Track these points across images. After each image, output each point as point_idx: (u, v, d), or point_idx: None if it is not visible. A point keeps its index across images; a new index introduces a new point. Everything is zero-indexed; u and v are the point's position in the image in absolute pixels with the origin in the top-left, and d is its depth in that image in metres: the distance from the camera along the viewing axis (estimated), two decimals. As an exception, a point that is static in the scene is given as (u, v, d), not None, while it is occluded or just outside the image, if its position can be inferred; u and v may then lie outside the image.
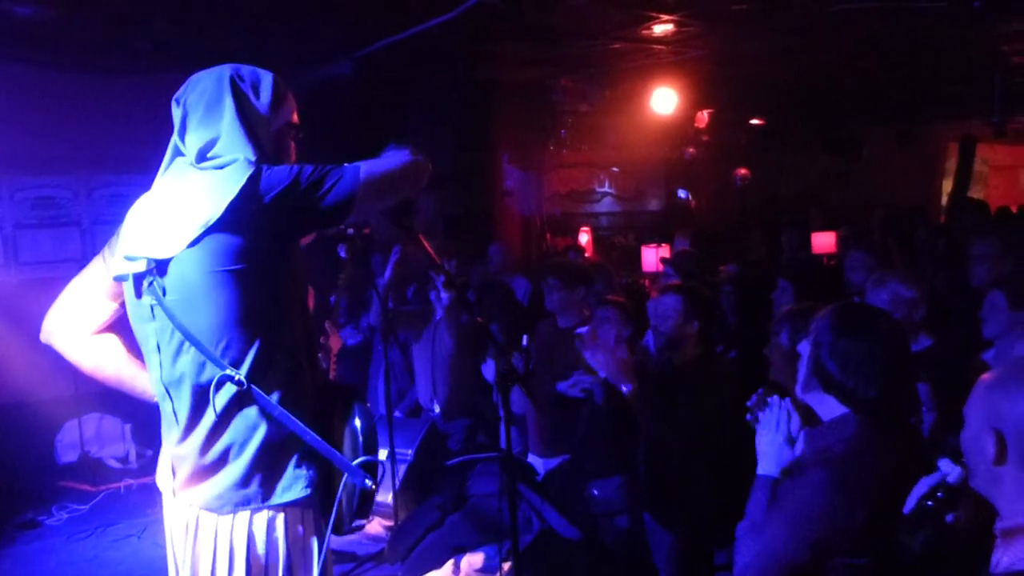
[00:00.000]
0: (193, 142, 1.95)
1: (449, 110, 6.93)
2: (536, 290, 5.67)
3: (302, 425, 1.90)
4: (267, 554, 1.92)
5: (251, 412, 1.90)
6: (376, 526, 4.76)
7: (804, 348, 2.13)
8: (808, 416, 2.16)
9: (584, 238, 8.43)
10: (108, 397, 6.19)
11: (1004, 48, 6.65)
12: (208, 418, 1.91)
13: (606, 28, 5.44)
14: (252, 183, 1.83)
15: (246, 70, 2.00)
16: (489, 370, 4.49)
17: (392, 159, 2.00)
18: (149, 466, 5.78)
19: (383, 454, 4.75)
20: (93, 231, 6.15)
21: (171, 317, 1.87)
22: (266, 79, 2.00)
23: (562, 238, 8.51)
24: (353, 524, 1.97)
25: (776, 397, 2.12)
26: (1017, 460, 1.45)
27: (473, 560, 3.61)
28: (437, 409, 5.05)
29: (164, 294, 1.87)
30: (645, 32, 5.56)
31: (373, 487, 1.90)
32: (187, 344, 1.87)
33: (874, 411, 1.99)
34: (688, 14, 5.09)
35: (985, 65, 7.36)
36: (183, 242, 1.83)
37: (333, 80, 5.96)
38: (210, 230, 1.82)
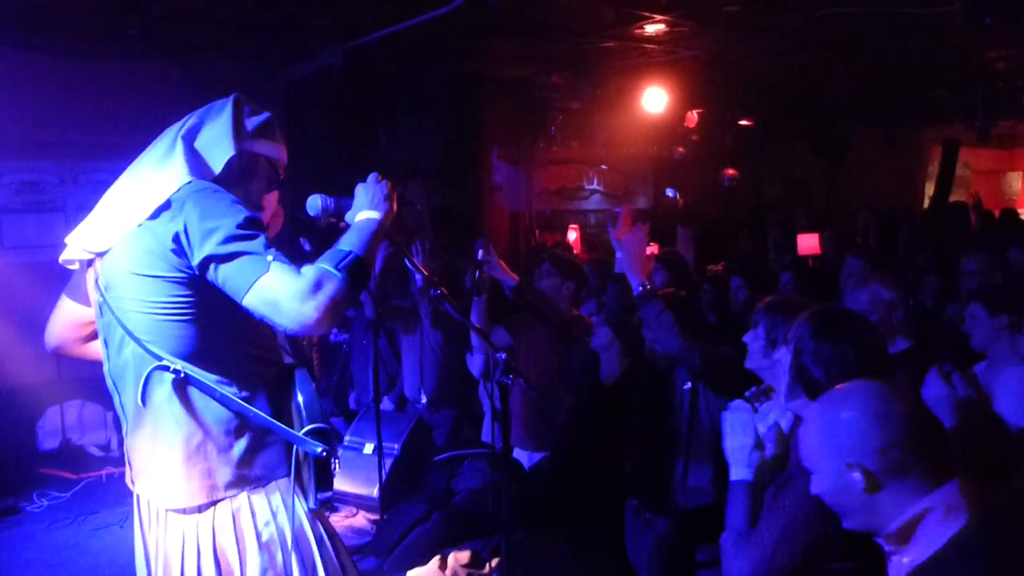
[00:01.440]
0: (187, 125, 2.02)
1: (439, 104, 6.92)
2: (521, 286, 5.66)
3: (245, 405, 1.88)
4: (237, 544, 1.92)
5: (191, 401, 1.89)
6: (361, 520, 4.77)
7: (783, 356, 2.14)
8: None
9: (572, 235, 8.44)
10: (90, 383, 6.15)
11: (989, 55, 6.73)
12: (150, 410, 1.91)
13: (598, 26, 5.45)
14: (180, 205, 1.83)
15: (254, 104, 2.11)
16: (475, 363, 4.50)
17: (300, 284, 1.76)
18: (131, 455, 5.75)
19: (369, 448, 4.76)
20: (78, 217, 6.02)
21: (112, 312, 1.90)
22: (265, 113, 2.10)
23: (550, 234, 8.52)
24: (318, 497, 1.94)
25: (739, 401, 2.13)
26: (887, 477, 1.50)
27: (460, 556, 3.62)
28: (424, 400, 5.06)
29: (107, 290, 1.92)
30: (637, 31, 5.57)
31: (324, 454, 1.88)
32: (127, 337, 1.89)
33: None
34: (680, 14, 5.11)
35: (969, 71, 7.44)
36: (112, 239, 1.88)
37: (323, 70, 5.93)
38: (139, 227, 1.85)
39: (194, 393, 1.89)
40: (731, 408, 2.26)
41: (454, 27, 5.16)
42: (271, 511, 1.95)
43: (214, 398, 1.89)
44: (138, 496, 2.04)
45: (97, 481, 5.35)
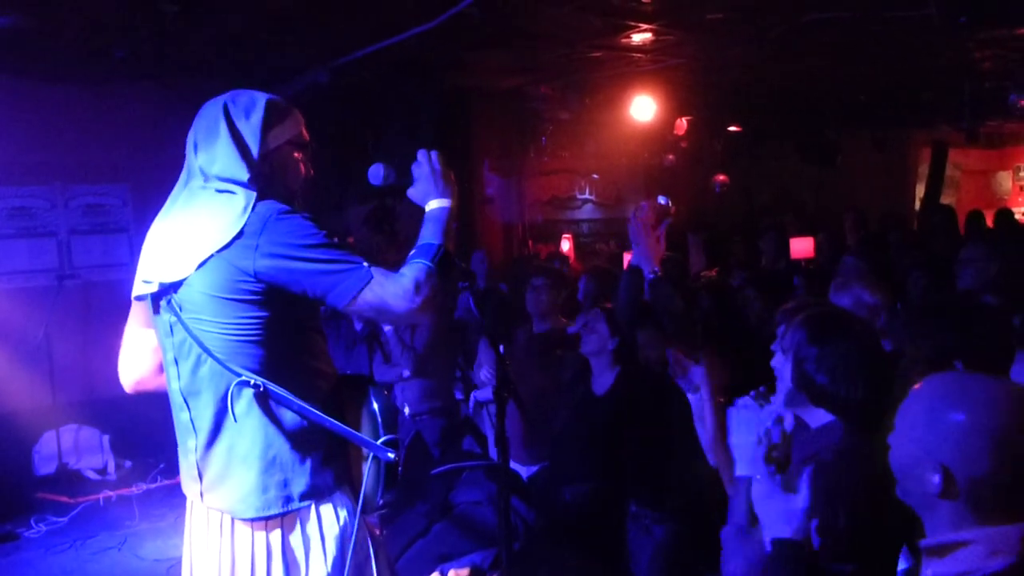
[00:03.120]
0: (199, 163, 2.07)
1: (428, 118, 6.94)
2: (516, 297, 5.68)
3: (322, 415, 1.97)
4: (305, 552, 2.00)
5: (271, 413, 1.98)
6: (360, 535, 4.75)
7: (781, 364, 2.13)
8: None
9: (566, 245, 8.46)
10: (86, 408, 6.15)
11: (975, 55, 6.78)
12: (229, 424, 1.99)
13: (585, 36, 5.49)
14: (252, 234, 1.91)
15: (243, 97, 2.08)
16: (480, 374, 4.51)
17: (404, 282, 1.93)
18: (128, 477, 5.72)
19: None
20: (70, 241, 6.11)
21: (188, 331, 1.98)
22: (259, 103, 2.07)
23: (544, 245, 8.54)
24: (381, 501, 2.05)
25: (746, 399, 2.13)
26: (965, 493, 1.38)
27: (460, 570, 3.60)
28: (407, 411, 5.08)
29: (181, 310, 1.99)
30: (624, 40, 5.62)
31: (397, 460, 1.98)
32: (204, 355, 1.97)
33: (863, 415, 1.99)
34: (666, 23, 5.15)
35: (956, 72, 7.50)
36: (190, 266, 1.94)
37: (311, 88, 5.95)
38: (214, 255, 1.92)
39: (273, 405, 1.98)
40: (737, 405, 2.25)
41: (441, 41, 5.19)
42: (336, 519, 2.03)
43: (292, 409, 1.97)
44: (196, 509, 2.09)
45: (94, 505, 5.32)
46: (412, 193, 2.16)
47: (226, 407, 1.97)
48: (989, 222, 8.63)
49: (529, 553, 3.62)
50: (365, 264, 1.91)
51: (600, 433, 3.56)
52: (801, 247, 7.73)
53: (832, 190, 10.93)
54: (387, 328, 4.99)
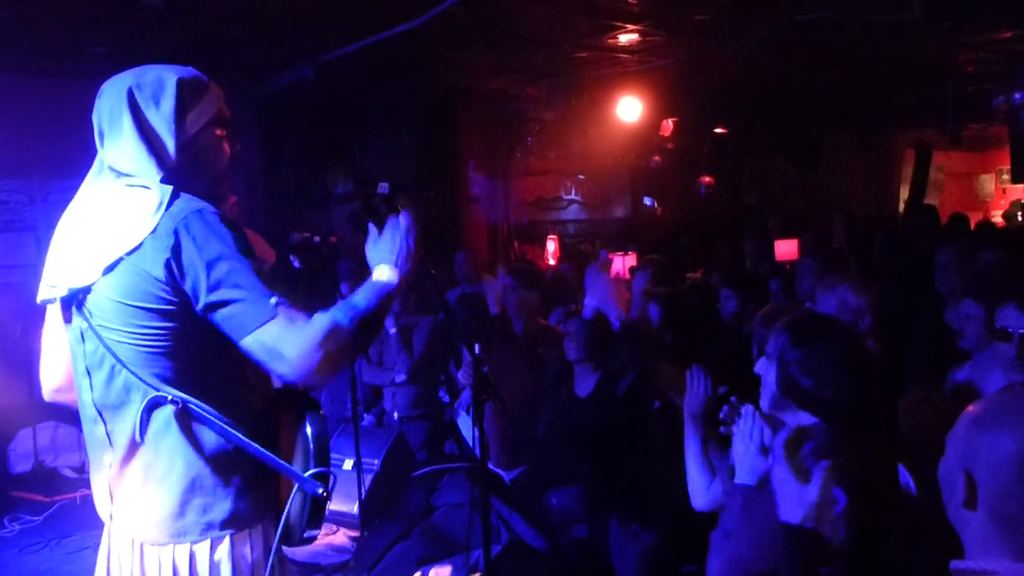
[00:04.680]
0: (106, 155, 1.86)
1: (413, 117, 6.91)
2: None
3: (246, 440, 1.79)
4: None
5: (191, 432, 1.81)
6: (341, 537, 4.71)
7: (764, 369, 2.13)
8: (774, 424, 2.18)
9: (551, 246, 8.45)
10: (63, 405, 6.07)
11: (959, 58, 6.82)
12: (146, 442, 1.81)
13: (570, 37, 5.48)
14: (164, 246, 1.71)
15: (149, 77, 1.83)
16: (459, 376, 4.49)
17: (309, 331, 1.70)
18: (106, 477, 5.65)
19: (349, 464, 4.71)
20: (48, 236, 5.99)
21: (101, 340, 1.80)
22: (169, 84, 1.82)
23: (529, 245, 8.52)
24: (304, 536, 1.86)
25: (750, 407, 2.12)
26: (987, 508, 1.33)
27: (440, 572, 3.59)
28: (396, 415, 5.07)
29: (91, 316, 1.80)
30: (610, 41, 5.61)
31: (325, 495, 1.82)
32: (119, 366, 1.79)
33: (848, 418, 2.00)
34: (651, 24, 5.15)
35: (940, 75, 7.54)
36: (97, 270, 1.76)
37: (296, 85, 5.91)
38: (123, 258, 1.74)
39: (193, 424, 1.80)
40: (744, 414, 2.24)
41: (426, 40, 5.16)
42: (251, 550, 1.87)
43: (214, 430, 1.80)
44: (110, 529, 1.93)
45: (71, 504, 5.25)
46: (369, 249, 1.94)
47: (143, 422, 1.78)
48: (972, 226, 8.69)
49: (511, 556, 3.60)
50: (273, 300, 1.68)
51: (584, 436, 3.54)
52: (785, 249, 7.74)
53: (817, 192, 10.98)
54: (392, 330, 4.94)
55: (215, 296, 1.70)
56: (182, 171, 1.82)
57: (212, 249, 1.70)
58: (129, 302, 1.74)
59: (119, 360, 1.78)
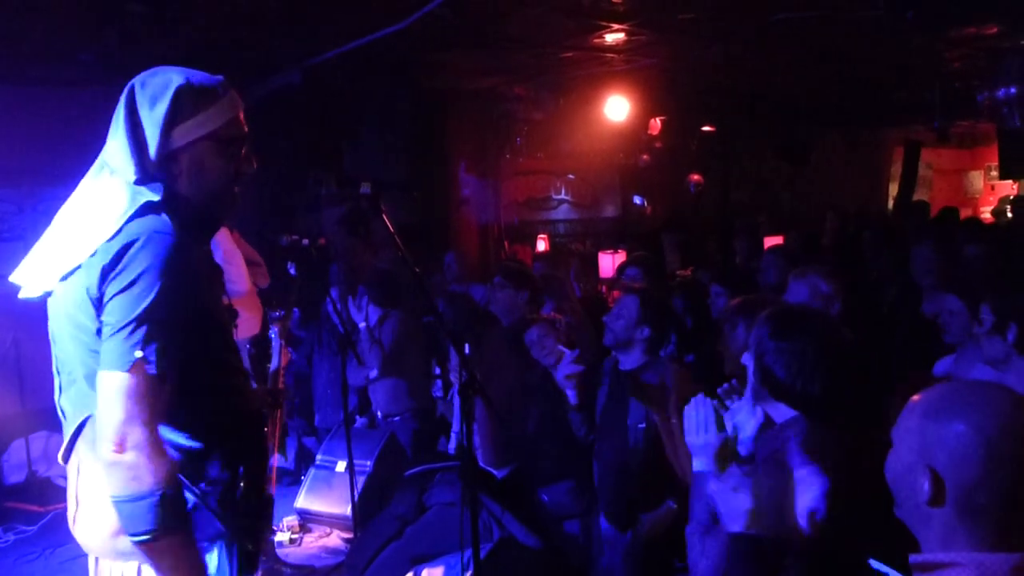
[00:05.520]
0: (105, 149, 1.83)
1: (401, 119, 6.92)
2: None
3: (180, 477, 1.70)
4: None
5: None
6: (335, 539, 4.72)
7: (748, 360, 2.15)
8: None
9: (541, 245, 8.47)
10: (56, 415, 6.06)
11: (945, 55, 6.86)
12: (82, 457, 1.77)
13: (557, 37, 5.50)
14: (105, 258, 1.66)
15: (156, 78, 1.77)
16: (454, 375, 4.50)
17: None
18: (100, 484, 5.64)
19: (341, 466, 4.71)
20: (40, 245, 5.99)
21: (58, 346, 1.79)
22: (169, 89, 1.74)
23: (520, 245, 8.53)
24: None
25: (701, 396, 2.11)
26: (954, 503, 1.31)
27: (433, 571, 3.59)
28: (379, 414, 5.08)
29: (52, 321, 1.80)
30: (596, 41, 5.63)
31: (252, 549, 1.78)
32: (74, 375, 1.76)
33: (823, 411, 2.00)
34: (636, 23, 5.17)
35: (926, 72, 7.58)
36: (55, 278, 1.74)
37: (284, 89, 5.92)
38: (79, 267, 1.70)
39: None
40: (693, 403, 2.24)
41: (413, 42, 5.18)
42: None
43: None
44: None
45: (64, 513, 5.24)
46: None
47: (74, 436, 1.75)
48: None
49: (503, 553, 3.61)
50: (136, 355, 1.59)
51: (571, 431, 3.55)
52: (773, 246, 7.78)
53: (807, 189, 11.02)
54: (361, 324, 4.97)
55: (103, 318, 1.64)
56: (168, 178, 1.76)
57: (133, 280, 1.62)
58: (76, 314, 1.70)
59: (70, 371, 1.76)
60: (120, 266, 1.63)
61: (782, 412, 2.07)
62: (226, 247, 3.15)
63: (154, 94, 1.75)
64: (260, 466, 1.93)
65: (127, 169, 1.74)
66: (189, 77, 1.77)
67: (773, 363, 2.03)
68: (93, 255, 1.67)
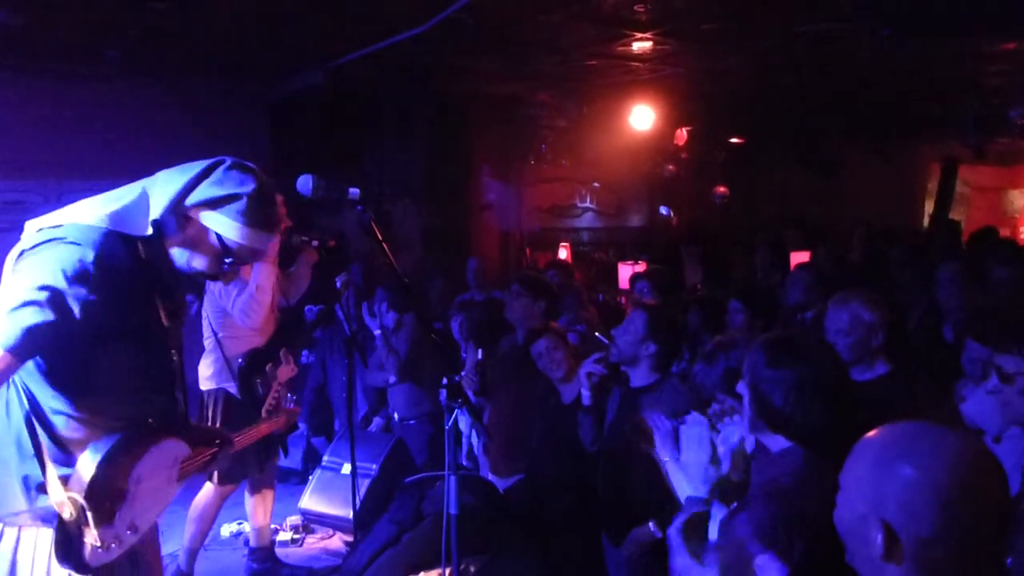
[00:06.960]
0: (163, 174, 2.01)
1: (424, 122, 6.92)
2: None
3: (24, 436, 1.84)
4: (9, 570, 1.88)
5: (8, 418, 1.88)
6: (337, 541, 4.71)
7: (742, 390, 2.08)
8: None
9: (563, 252, 8.41)
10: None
11: (983, 70, 6.68)
12: None
13: (580, 44, 5.45)
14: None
15: (238, 176, 1.95)
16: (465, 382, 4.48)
17: None
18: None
19: (347, 468, 4.69)
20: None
21: None
22: (235, 188, 1.93)
23: (541, 252, 8.49)
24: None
25: (696, 415, 2.06)
26: (911, 559, 1.22)
27: (428, 577, 3.55)
28: (396, 416, 5.08)
29: None
30: (620, 49, 5.58)
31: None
32: None
33: (821, 441, 1.94)
34: (659, 32, 5.11)
35: (961, 86, 7.41)
36: (10, 264, 1.90)
37: (307, 90, 5.94)
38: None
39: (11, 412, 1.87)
40: (688, 422, 2.19)
41: (436, 46, 5.17)
42: (32, 549, 1.89)
43: (25, 425, 1.85)
44: None
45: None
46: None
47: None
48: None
49: (503, 564, 3.56)
50: (22, 327, 1.72)
51: (575, 444, 3.50)
52: (801, 261, 7.64)
53: (839, 204, 10.80)
54: (376, 332, 4.99)
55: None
56: (173, 233, 1.94)
57: (36, 270, 1.81)
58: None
59: None
60: (24, 260, 1.84)
61: (778, 442, 2.01)
62: (260, 282, 3.53)
63: (219, 181, 1.93)
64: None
65: (155, 205, 1.91)
66: (265, 192, 1.95)
67: (769, 393, 1.96)
68: (39, 231, 1.88)
